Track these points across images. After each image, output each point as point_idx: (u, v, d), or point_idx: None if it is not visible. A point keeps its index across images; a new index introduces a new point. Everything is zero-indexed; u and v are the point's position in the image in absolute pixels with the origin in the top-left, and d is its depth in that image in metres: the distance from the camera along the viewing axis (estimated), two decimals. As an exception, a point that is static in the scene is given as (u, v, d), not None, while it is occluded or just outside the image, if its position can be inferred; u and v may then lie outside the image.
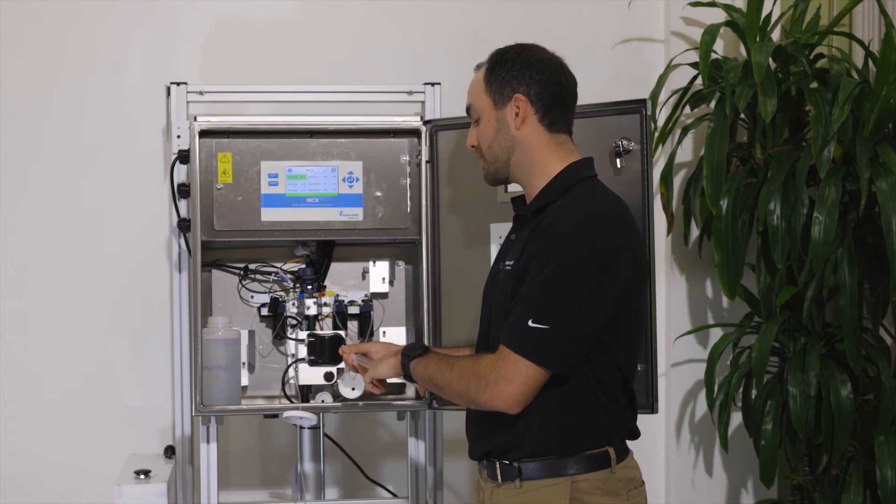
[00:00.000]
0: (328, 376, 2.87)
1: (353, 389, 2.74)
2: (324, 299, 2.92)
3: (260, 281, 3.00)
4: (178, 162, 3.00)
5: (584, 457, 2.15)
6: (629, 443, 2.26)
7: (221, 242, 2.93)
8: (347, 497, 3.36)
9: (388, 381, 2.48)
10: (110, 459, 3.16)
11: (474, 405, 2.17)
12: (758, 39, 3.17)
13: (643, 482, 2.27)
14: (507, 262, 2.23)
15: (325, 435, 3.08)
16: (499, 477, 2.21)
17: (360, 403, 2.84)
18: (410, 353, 2.33)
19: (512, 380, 2.09)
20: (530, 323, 2.08)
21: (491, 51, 2.32)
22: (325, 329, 2.93)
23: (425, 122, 2.94)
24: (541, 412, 2.13)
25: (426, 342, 2.89)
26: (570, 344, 2.10)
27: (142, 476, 2.90)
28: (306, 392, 2.91)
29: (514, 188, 2.66)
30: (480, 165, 2.32)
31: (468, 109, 2.32)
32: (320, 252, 2.98)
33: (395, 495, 3.26)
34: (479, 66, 2.32)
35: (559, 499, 2.14)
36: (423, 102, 3.11)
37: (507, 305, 2.17)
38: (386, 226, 2.93)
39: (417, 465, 3.08)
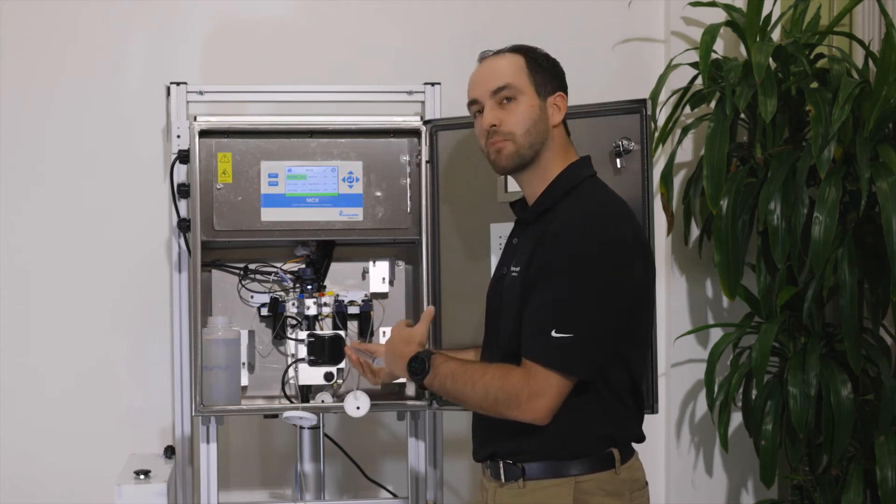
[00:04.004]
0: (328, 376, 2.87)
1: (359, 408, 2.71)
2: (324, 299, 2.92)
3: (260, 281, 3.00)
4: (178, 162, 3.00)
5: (589, 458, 2.16)
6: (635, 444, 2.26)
7: (221, 242, 2.93)
8: (347, 497, 3.36)
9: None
10: (110, 459, 3.16)
11: (503, 417, 2.15)
12: (758, 39, 3.17)
13: (647, 483, 2.27)
14: (514, 269, 2.21)
15: (325, 435, 3.08)
16: (502, 476, 2.21)
17: (361, 403, 2.84)
18: (418, 373, 2.23)
19: (545, 394, 2.09)
20: (554, 333, 2.07)
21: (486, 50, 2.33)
22: (325, 329, 2.93)
23: (425, 122, 2.94)
24: None
25: (426, 344, 2.87)
26: (595, 348, 2.10)
27: (142, 476, 2.90)
28: (306, 392, 2.91)
29: (514, 187, 2.67)
30: (496, 147, 2.24)
31: (500, 88, 2.23)
32: (320, 252, 2.98)
33: (395, 495, 3.26)
34: (495, 52, 2.30)
35: (563, 499, 2.14)
36: (423, 102, 3.11)
37: (515, 312, 2.16)
38: (386, 226, 2.93)
39: (417, 466, 3.08)
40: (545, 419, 2.11)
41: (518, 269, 2.20)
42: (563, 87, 2.30)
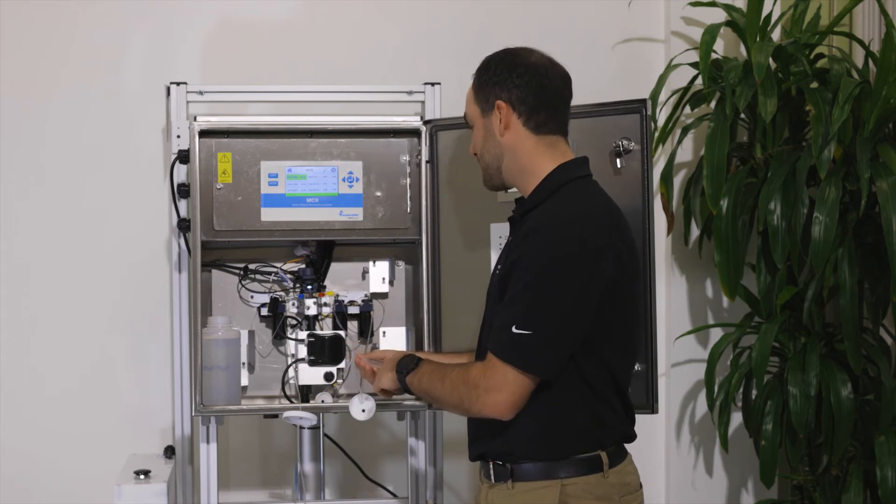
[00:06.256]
0: (328, 376, 2.87)
1: (364, 411, 2.70)
2: (324, 299, 2.92)
3: (260, 281, 3.00)
4: (177, 162, 3.00)
5: (576, 460, 2.16)
6: (628, 445, 2.26)
7: (221, 242, 2.93)
8: (347, 497, 3.36)
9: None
10: (110, 459, 3.15)
11: (469, 414, 2.19)
12: (758, 39, 3.17)
13: (640, 486, 2.26)
14: (498, 267, 2.25)
15: (325, 435, 3.08)
16: (492, 477, 2.21)
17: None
18: (403, 370, 2.33)
19: (501, 388, 2.10)
20: (514, 329, 2.08)
21: (490, 51, 2.32)
22: (325, 329, 2.93)
23: (425, 122, 2.94)
24: (530, 417, 2.14)
25: (426, 343, 2.88)
26: (555, 348, 2.10)
27: (142, 476, 2.90)
28: (306, 392, 2.91)
29: (514, 189, 2.67)
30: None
31: (465, 118, 2.35)
32: (320, 252, 2.98)
33: (395, 495, 3.26)
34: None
35: (549, 501, 2.14)
36: (423, 102, 3.11)
37: (494, 309, 2.18)
38: (386, 226, 2.93)
39: (417, 466, 3.08)
40: (505, 414, 2.11)
41: (500, 266, 2.23)
42: (506, 90, 2.22)
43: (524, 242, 2.14)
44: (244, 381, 2.91)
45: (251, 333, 2.96)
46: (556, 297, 2.09)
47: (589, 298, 2.10)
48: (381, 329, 2.98)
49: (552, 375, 2.12)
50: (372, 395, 2.62)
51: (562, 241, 2.11)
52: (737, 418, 3.30)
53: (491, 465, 2.21)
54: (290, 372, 2.93)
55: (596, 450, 2.17)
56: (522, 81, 2.22)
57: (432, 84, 3.10)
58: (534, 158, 2.24)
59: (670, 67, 3.32)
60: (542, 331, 2.08)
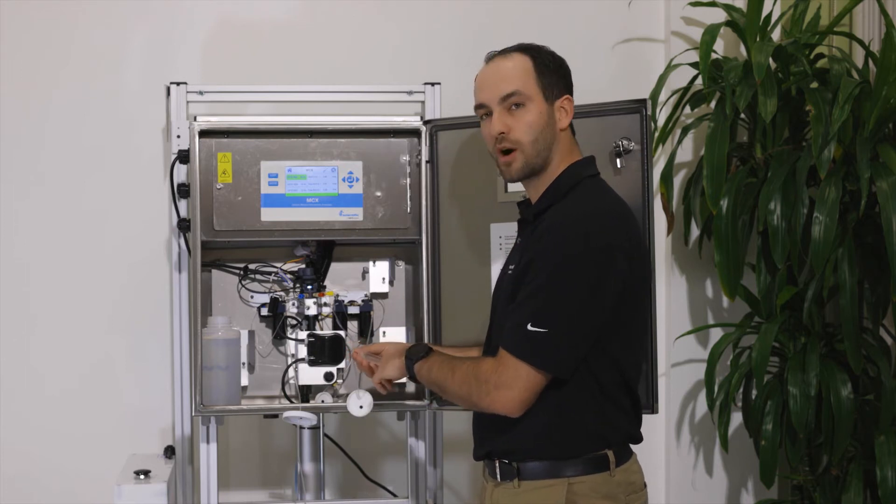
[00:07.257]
0: (328, 376, 2.87)
1: (362, 408, 2.70)
2: (324, 299, 2.92)
3: (260, 281, 3.00)
4: (177, 162, 3.00)
5: (582, 459, 2.16)
6: (632, 445, 2.26)
7: (221, 242, 2.93)
8: (347, 497, 3.36)
9: (395, 381, 2.49)
10: (110, 459, 3.16)
11: (477, 409, 2.20)
12: (758, 39, 3.17)
13: (645, 485, 2.27)
14: (510, 267, 2.25)
15: (325, 435, 3.08)
16: (498, 476, 2.22)
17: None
18: (414, 356, 2.34)
19: (513, 385, 2.10)
20: (529, 327, 2.09)
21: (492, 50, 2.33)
22: (325, 329, 2.93)
23: (425, 122, 2.93)
24: (539, 415, 2.14)
25: (427, 342, 2.88)
26: (569, 346, 2.10)
27: (142, 476, 2.90)
28: (306, 392, 2.91)
29: (514, 188, 2.67)
30: (505, 161, 2.25)
31: (509, 95, 2.22)
32: (320, 252, 2.98)
33: (395, 495, 3.26)
34: (501, 52, 2.28)
35: (555, 500, 2.14)
36: (423, 102, 3.11)
37: (507, 309, 2.18)
38: (386, 226, 2.93)
39: (418, 466, 3.08)
40: (514, 411, 2.12)
41: (513, 267, 2.23)
42: (569, 89, 2.30)
43: (539, 242, 2.15)
44: (244, 381, 2.91)
45: (251, 333, 2.96)
46: (571, 296, 2.09)
47: (603, 296, 2.11)
48: (381, 329, 2.98)
49: (567, 374, 2.12)
50: (371, 390, 2.62)
51: (576, 240, 2.11)
52: (737, 418, 3.30)
53: (497, 464, 2.22)
54: (290, 372, 2.93)
55: (603, 449, 2.17)
56: (571, 84, 2.31)
57: (432, 84, 3.10)
58: (560, 156, 2.26)
59: (670, 67, 3.32)
60: (556, 329, 2.08)
